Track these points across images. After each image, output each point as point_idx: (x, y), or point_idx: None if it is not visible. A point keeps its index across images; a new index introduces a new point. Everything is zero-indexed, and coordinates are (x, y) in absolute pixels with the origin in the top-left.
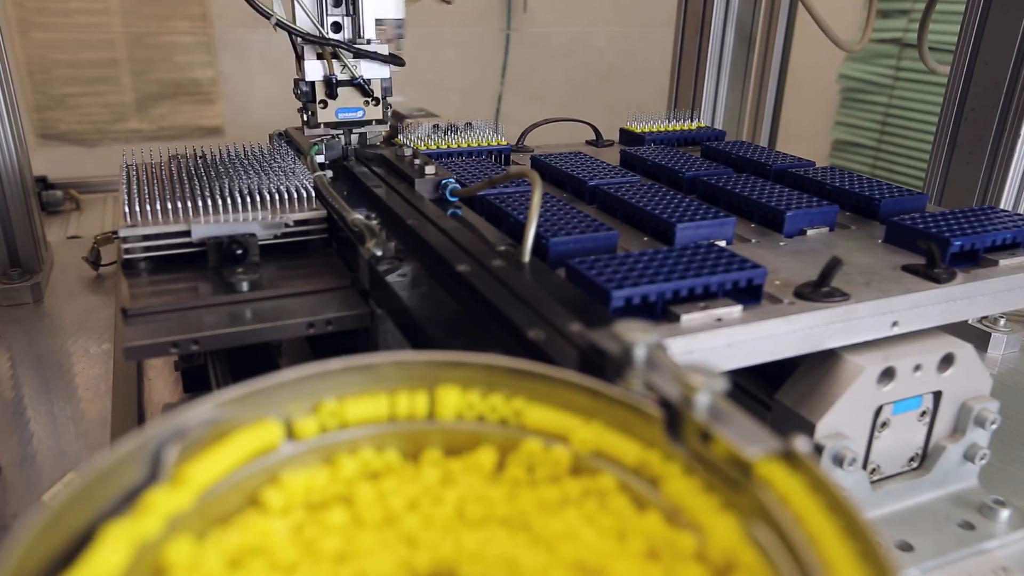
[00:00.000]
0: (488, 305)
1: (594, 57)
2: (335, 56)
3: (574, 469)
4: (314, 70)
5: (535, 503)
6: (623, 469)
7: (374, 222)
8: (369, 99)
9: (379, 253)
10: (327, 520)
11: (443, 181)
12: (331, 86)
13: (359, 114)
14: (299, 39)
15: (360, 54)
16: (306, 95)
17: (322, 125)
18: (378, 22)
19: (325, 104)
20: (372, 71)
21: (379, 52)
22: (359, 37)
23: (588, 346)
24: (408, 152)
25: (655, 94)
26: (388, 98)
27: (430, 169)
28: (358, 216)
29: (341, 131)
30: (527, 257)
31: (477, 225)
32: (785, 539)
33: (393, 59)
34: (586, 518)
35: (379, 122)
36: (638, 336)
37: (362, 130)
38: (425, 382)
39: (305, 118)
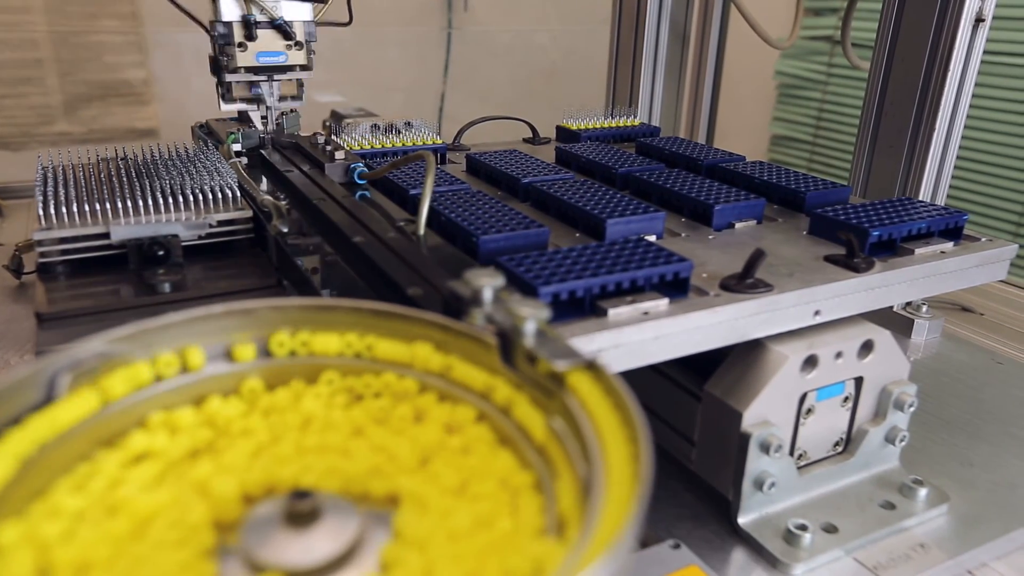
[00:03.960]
0: (377, 270)
1: (537, 55)
2: None
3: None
4: (230, 9)
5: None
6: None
7: (282, 202)
8: (291, 42)
9: (285, 229)
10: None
11: (351, 165)
12: (249, 27)
13: (281, 58)
14: None
15: None
16: (223, 37)
17: (242, 69)
18: None
19: (244, 47)
20: (293, 11)
21: None
22: None
23: (449, 293)
24: (321, 140)
25: (597, 92)
26: (311, 43)
27: (339, 154)
28: (267, 197)
29: (264, 78)
30: (422, 230)
31: (383, 205)
32: (575, 427)
33: None
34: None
35: (303, 68)
36: (484, 281)
37: (285, 77)
38: (298, 325)
39: (224, 62)
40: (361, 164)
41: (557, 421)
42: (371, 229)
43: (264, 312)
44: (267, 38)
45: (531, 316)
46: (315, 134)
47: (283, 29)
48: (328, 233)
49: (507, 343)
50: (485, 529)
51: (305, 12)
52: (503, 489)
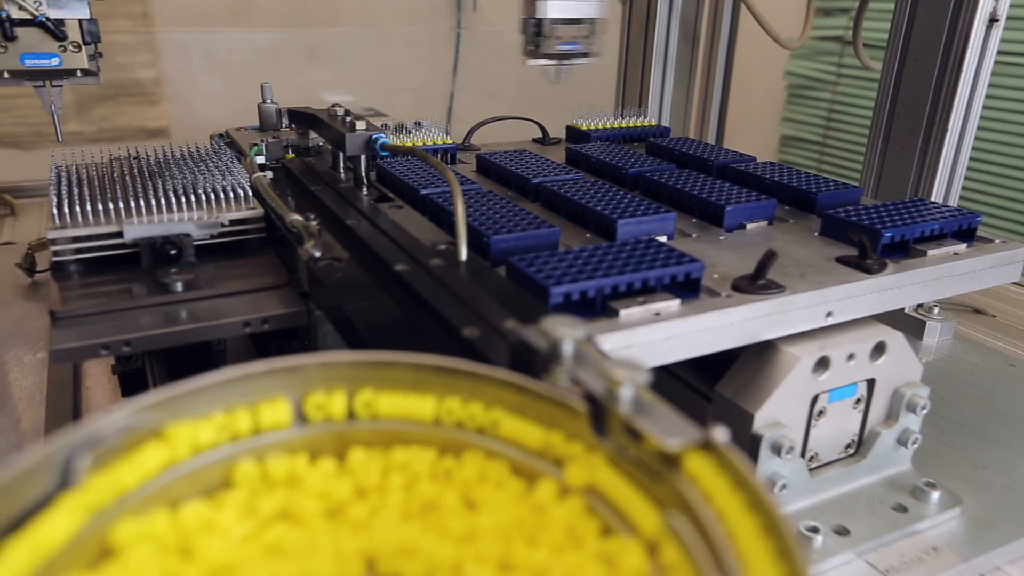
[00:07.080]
0: (424, 304)
1: None
2: None
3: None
4: None
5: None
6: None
7: (313, 223)
8: (65, 43)
9: (317, 254)
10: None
11: (373, 136)
12: (3, 25)
13: (54, 61)
14: None
15: None
16: None
17: (5, 73)
18: None
19: (4, 48)
20: (64, 9)
21: None
22: None
23: (518, 342)
24: (340, 112)
25: (607, 92)
26: (96, 44)
27: (360, 124)
28: (296, 217)
29: (40, 83)
30: (463, 256)
31: (419, 224)
32: (703, 530)
33: None
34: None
35: (85, 72)
36: (565, 331)
37: (65, 82)
38: (351, 383)
39: None
40: (383, 135)
41: (675, 517)
42: (412, 254)
43: (311, 369)
44: (35, 38)
45: (628, 380)
46: (333, 106)
47: (48, 28)
48: (365, 259)
49: (599, 411)
50: None
51: (81, 10)
52: None
